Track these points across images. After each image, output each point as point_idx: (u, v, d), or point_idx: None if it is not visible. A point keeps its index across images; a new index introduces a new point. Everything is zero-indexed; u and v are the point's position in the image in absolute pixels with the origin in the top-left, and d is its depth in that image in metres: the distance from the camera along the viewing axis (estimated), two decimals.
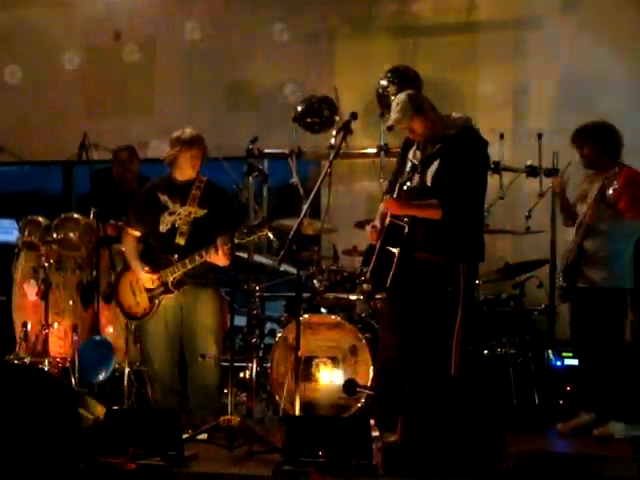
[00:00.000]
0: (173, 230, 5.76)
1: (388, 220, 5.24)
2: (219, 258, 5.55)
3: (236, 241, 5.38)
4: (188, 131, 5.78)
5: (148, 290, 5.79)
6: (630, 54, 7.43)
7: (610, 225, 5.67)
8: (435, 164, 5.16)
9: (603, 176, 5.61)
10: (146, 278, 5.75)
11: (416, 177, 5.22)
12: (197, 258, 5.60)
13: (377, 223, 5.33)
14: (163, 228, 5.78)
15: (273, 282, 7.03)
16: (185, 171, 5.80)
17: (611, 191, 5.55)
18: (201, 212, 5.78)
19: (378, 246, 5.23)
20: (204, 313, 5.78)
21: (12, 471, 4.69)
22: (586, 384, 5.89)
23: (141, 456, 4.85)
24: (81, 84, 8.62)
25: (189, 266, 5.63)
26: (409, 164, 5.28)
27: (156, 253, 5.79)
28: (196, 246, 5.64)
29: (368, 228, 5.37)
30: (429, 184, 5.17)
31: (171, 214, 5.79)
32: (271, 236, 5.50)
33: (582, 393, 5.95)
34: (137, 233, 5.92)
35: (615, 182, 5.53)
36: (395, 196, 5.26)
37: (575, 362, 6.24)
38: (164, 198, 5.83)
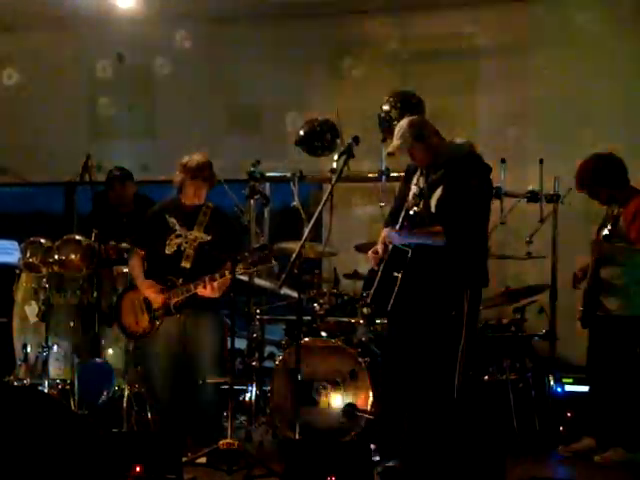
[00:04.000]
0: (178, 253, 5.78)
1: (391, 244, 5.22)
2: (206, 291, 5.59)
3: (241, 272, 5.44)
4: (195, 159, 5.79)
5: (149, 311, 5.79)
6: (627, 79, 7.46)
7: (625, 255, 5.70)
8: (439, 190, 5.14)
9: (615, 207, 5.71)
10: (154, 297, 5.76)
11: (420, 203, 5.21)
12: (201, 284, 5.61)
13: (379, 248, 5.32)
14: (169, 250, 5.80)
15: (274, 305, 7.02)
16: (190, 198, 5.84)
17: (622, 221, 5.61)
18: (207, 237, 5.80)
19: (381, 270, 5.22)
20: (205, 336, 5.77)
21: None
22: (591, 410, 5.88)
23: (140, 479, 4.83)
24: (84, 106, 8.65)
25: (193, 291, 5.64)
26: (414, 189, 5.27)
27: (160, 274, 5.79)
28: (201, 271, 5.65)
29: (370, 253, 5.36)
30: (433, 210, 5.16)
31: (178, 237, 5.82)
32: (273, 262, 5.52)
33: (586, 418, 5.93)
34: (143, 252, 5.94)
35: (622, 213, 5.63)
36: (398, 227, 5.21)
37: (576, 388, 6.26)
38: (172, 220, 5.86)
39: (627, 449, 5.65)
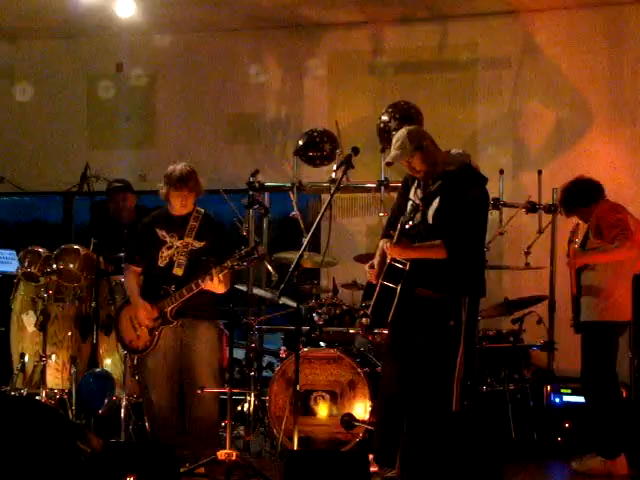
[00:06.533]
0: (171, 263, 5.75)
1: (388, 259, 5.20)
2: (215, 286, 5.56)
3: (232, 265, 5.41)
4: (178, 169, 5.69)
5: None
6: (629, 90, 7.46)
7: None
8: (436, 202, 5.13)
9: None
10: (142, 319, 5.75)
11: (418, 215, 5.19)
12: (194, 287, 5.59)
13: (376, 262, 5.31)
14: (162, 262, 5.77)
15: (272, 315, 7.02)
16: (177, 209, 5.78)
17: (591, 236, 5.76)
18: (199, 244, 5.77)
19: (379, 283, 5.20)
20: (203, 346, 5.75)
21: None
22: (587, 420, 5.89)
23: None
24: (83, 115, 8.66)
25: (186, 295, 5.62)
26: (410, 203, 5.25)
27: (155, 286, 5.77)
28: (194, 277, 5.63)
29: (367, 267, 5.35)
30: (431, 222, 5.15)
31: (169, 248, 5.78)
32: (268, 266, 5.49)
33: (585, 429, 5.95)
34: (138, 269, 5.92)
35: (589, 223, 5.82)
36: (395, 241, 5.17)
37: (574, 399, 6.28)
38: (162, 233, 5.81)
39: (604, 456, 5.63)
